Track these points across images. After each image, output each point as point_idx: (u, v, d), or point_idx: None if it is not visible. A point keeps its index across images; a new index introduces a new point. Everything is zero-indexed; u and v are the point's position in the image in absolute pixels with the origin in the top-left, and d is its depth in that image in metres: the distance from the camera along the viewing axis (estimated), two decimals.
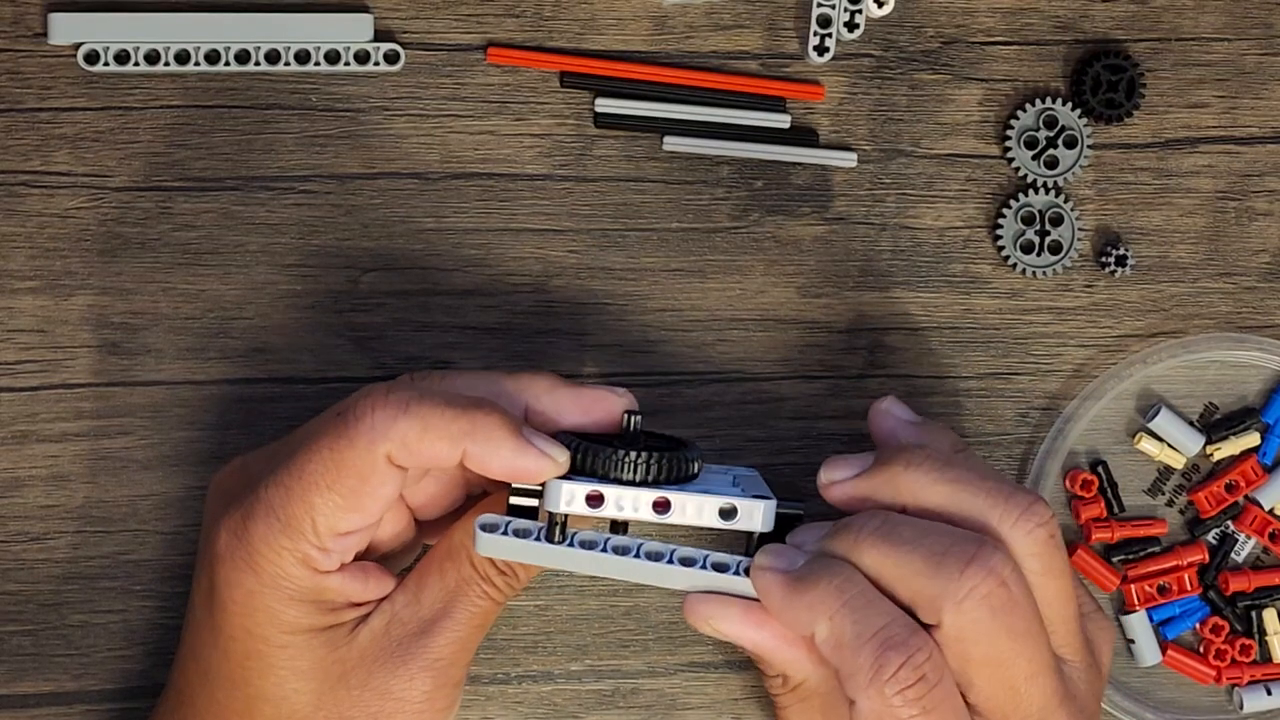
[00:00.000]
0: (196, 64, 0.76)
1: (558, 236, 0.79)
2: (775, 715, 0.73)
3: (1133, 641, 0.81)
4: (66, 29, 0.76)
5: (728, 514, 0.69)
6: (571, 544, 0.68)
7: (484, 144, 0.79)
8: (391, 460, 0.67)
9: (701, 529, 0.70)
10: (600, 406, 0.70)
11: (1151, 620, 0.81)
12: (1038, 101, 0.80)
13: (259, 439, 0.77)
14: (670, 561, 0.69)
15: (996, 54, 0.81)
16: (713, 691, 0.80)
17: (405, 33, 0.78)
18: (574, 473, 0.68)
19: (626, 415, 0.70)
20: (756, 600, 0.69)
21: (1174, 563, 0.81)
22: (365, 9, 0.78)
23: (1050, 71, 0.81)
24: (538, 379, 0.71)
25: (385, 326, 0.78)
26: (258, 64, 0.76)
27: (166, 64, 0.76)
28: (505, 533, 0.68)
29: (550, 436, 0.68)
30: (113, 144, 0.77)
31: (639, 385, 0.79)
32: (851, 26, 0.79)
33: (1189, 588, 0.81)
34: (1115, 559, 0.81)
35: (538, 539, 0.68)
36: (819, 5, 0.79)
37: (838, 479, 0.71)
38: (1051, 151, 0.80)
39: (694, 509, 0.68)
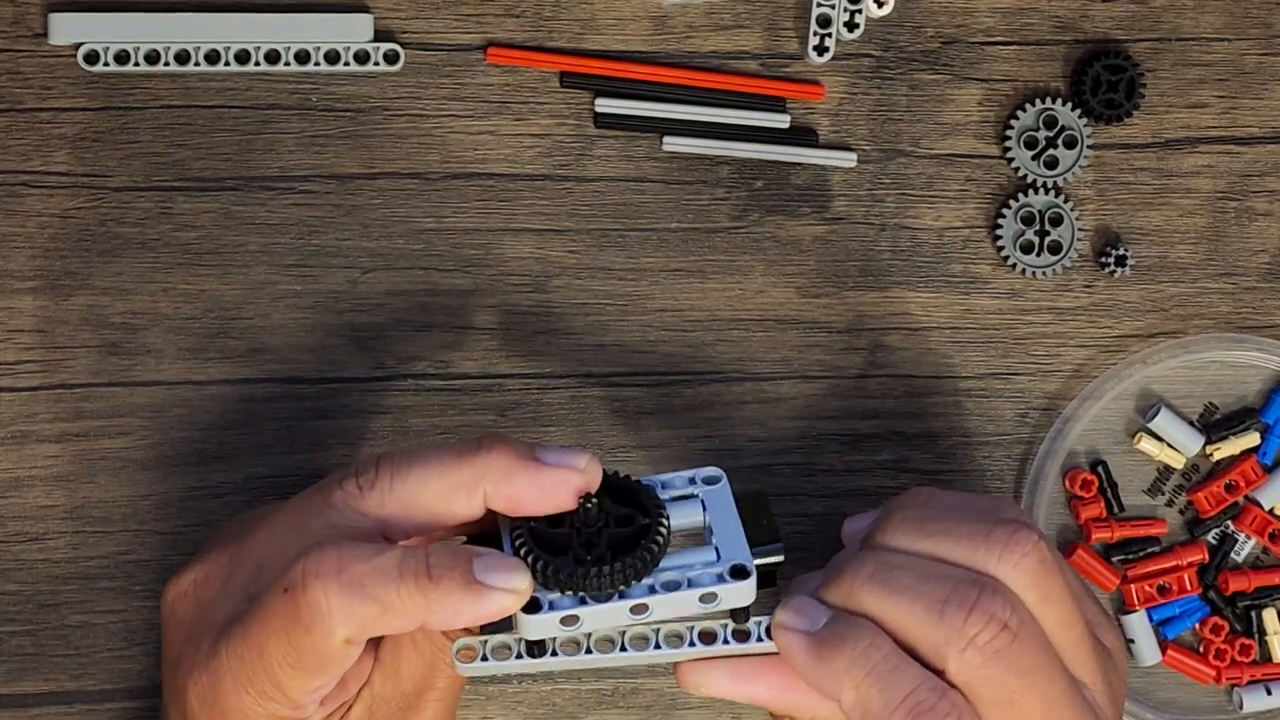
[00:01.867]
0: (196, 64, 0.76)
1: (558, 236, 0.79)
2: None
3: (1133, 641, 0.81)
4: (66, 29, 0.76)
5: (708, 600, 0.66)
6: (554, 653, 0.66)
7: (484, 144, 0.79)
8: (350, 642, 0.64)
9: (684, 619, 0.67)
10: (562, 490, 0.65)
11: (1151, 620, 0.81)
12: (1038, 101, 0.80)
13: (259, 439, 0.77)
14: (657, 646, 0.66)
15: (996, 54, 0.81)
16: None
17: (405, 33, 0.78)
18: (539, 584, 0.64)
19: (582, 501, 0.65)
20: (747, 656, 0.67)
21: (1174, 563, 0.81)
22: (365, 9, 0.78)
23: (1050, 71, 0.81)
24: (494, 460, 0.65)
25: (385, 326, 0.78)
26: (258, 64, 0.76)
27: (166, 64, 0.76)
28: (485, 657, 0.66)
29: (507, 556, 0.64)
30: (113, 144, 0.77)
31: (639, 385, 0.79)
32: (851, 26, 0.79)
33: (1189, 588, 0.81)
34: (1115, 559, 0.81)
35: (519, 656, 0.66)
36: (819, 5, 0.79)
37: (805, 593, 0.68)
38: (1051, 151, 0.80)
39: (673, 606, 0.65)
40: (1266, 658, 0.82)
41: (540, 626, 0.65)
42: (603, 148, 0.79)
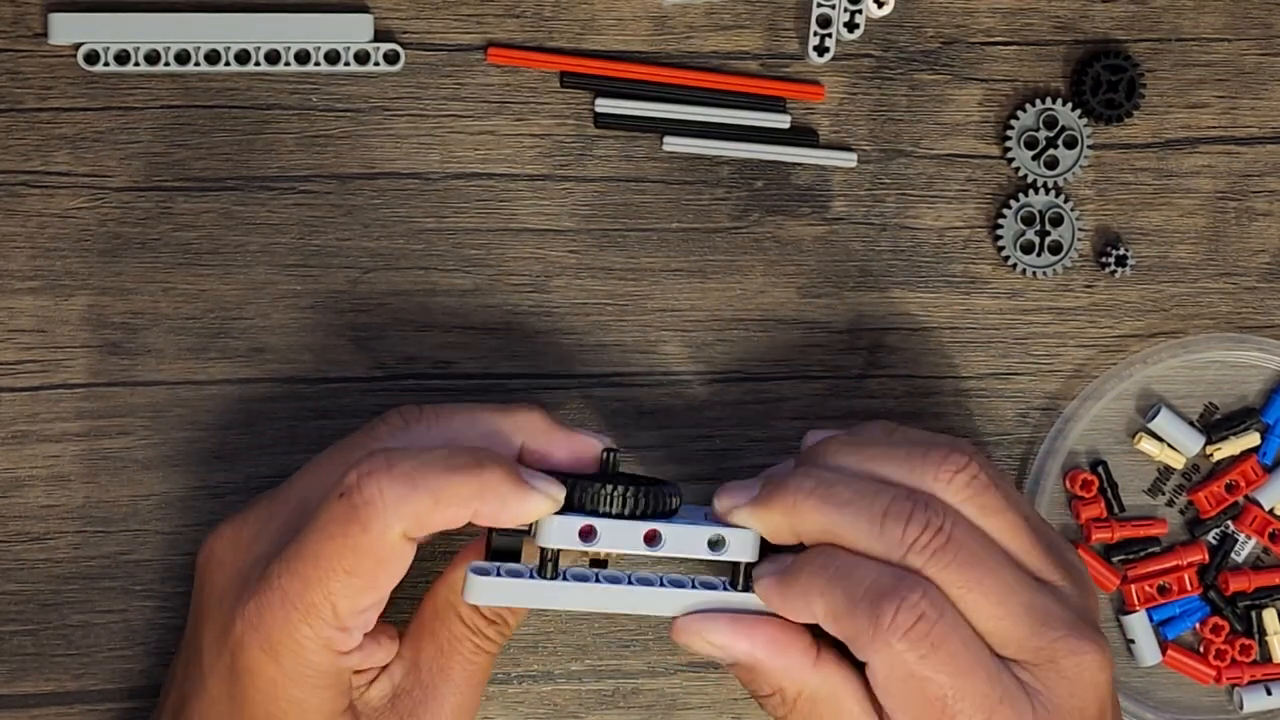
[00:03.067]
0: (196, 64, 0.76)
1: (558, 236, 0.79)
2: None
3: (1133, 641, 0.81)
4: (66, 29, 0.76)
5: (716, 545, 0.69)
6: (565, 578, 0.68)
7: (484, 144, 0.79)
8: (407, 536, 0.66)
9: (690, 560, 0.70)
10: (590, 453, 0.70)
11: (1151, 620, 0.81)
12: (1038, 101, 0.80)
13: (259, 439, 0.77)
14: (662, 584, 0.69)
15: (996, 54, 0.81)
16: (713, 691, 0.80)
17: (405, 33, 0.78)
18: (563, 509, 0.68)
19: (606, 452, 0.70)
20: (745, 613, 0.69)
21: (1174, 563, 0.81)
22: (365, 9, 0.78)
23: (1050, 71, 0.81)
24: (531, 418, 0.70)
25: (385, 326, 0.78)
26: (258, 64, 0.76)
27: (166, 64, 0.76)
28: (499, 574, 0.67)
29: (545, 474, 0.68)
30: (113, 144, 0.77)
31: (639, 385, 0.79)
32: (851, 26, 0.79)
33: (1189, 588, 0.81)
34: (1115, 559, 0.81)
35: (531, 577, 0.68)
36: (819, 5, 0.79)
37: (739, 504, 0.70)
38: (1051, 151, 0.80)
39: (683, 540, 0.69)
40: (1267, 658, 0.82)
41: (559, 532, 0.67)
42: (603, 148, 0.79)
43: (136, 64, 0.76)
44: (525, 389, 0.79)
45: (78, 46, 0.76)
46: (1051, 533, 0.72)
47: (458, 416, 0.70)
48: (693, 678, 0.80)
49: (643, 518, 0.68)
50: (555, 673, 0.79)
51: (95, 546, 0.77)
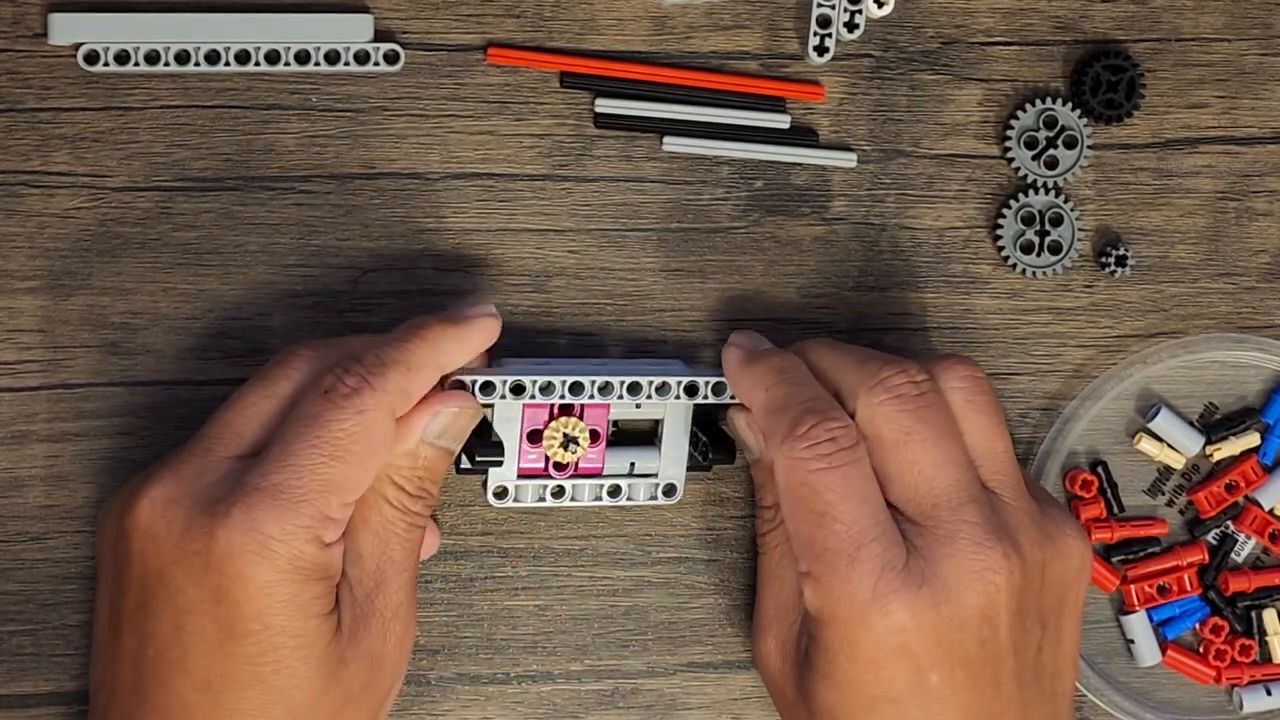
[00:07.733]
0: (196, 64, 0.76)
1: (558, 236, 0.79)
2: (761, 564, 0.77)
3: (1133, 642, 0.81)
4: (66, 29, 0.76)
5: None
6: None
7: (484, 144, 0.79)
8: (394, 414, 0.70)
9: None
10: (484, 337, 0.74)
11: (1151, 620, 0.82)
12: (1038, 101, 0.80)
13: None
14: (649, 397, 0.74)
15: (996, 54, 0.81)
16: (712, 691, 0.80)
17: (405, 33, 0.78)
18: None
19: None
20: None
21: (1174, 563, 0.81)
22: (365, 9, 0.78)
23: (1050, 71, 0.81)
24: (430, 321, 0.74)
25: (385, 326, 0.78)
26: (258, 64, 0.76)
27: (166, 64, 0.76)
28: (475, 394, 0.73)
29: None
30: (113, 144, 0.77)
31: None
32: (851, 27, 0.79)
33: (1189, 588, 0.81)
34: (1115, 559, 0.81)
35: (503, 396, 0.73)
36: (819, 5, 0.79)
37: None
38: (1051, 151, 0.80)
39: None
40: (1266, 658, 0.82)
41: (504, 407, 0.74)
42: (603, 148, 0.79)
43: (136, 64, 0.76)
44: None
45: (78, 46, 0.76)
46: (1038, 488, 0.75)
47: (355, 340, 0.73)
48: (692, 678, 0.80)
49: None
50: (555, 673, 0.79)
51: (95, 546, 0.77)
